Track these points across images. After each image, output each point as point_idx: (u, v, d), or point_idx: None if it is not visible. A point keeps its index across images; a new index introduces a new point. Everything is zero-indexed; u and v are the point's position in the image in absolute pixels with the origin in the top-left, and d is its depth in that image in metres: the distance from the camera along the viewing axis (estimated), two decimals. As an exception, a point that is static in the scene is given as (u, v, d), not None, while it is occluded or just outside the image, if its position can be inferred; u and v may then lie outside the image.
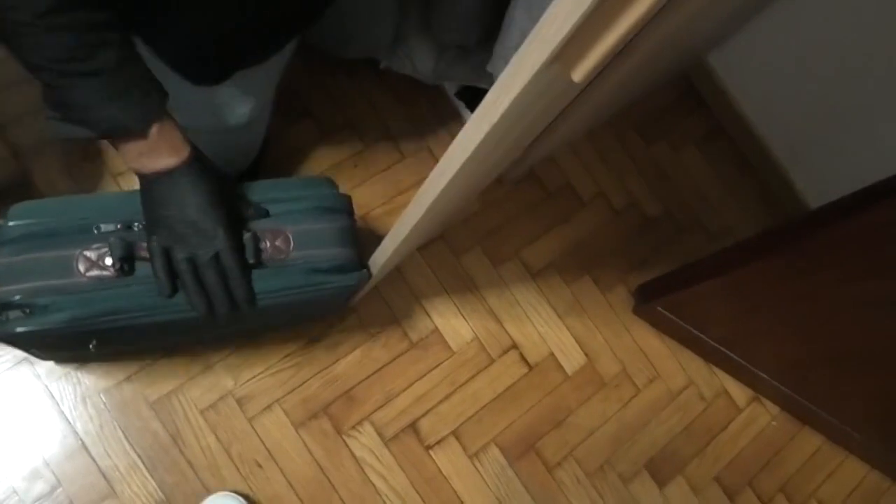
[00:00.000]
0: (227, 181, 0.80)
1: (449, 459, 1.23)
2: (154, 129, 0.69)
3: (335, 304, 1.06)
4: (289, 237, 0.84)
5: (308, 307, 0.97)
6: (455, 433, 1.24)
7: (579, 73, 0.46)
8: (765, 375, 1.39)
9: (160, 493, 1.06)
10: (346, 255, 0.88)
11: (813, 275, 1.07)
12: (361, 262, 0.91)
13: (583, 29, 0.43)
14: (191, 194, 0.73)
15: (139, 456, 1.07)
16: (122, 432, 1.07)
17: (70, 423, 1.06)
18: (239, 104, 0.92)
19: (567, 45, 0.44)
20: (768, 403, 1.48)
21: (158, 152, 0.71)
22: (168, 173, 0.72)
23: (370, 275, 0.93)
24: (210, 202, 0.74)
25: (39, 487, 1.02)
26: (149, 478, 1.06)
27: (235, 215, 0.79)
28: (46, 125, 0.68)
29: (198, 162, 0.74)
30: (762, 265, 1.12)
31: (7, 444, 1.03)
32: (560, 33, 0.42)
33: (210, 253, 0.74)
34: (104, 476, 1.05)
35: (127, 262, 0.76)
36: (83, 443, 1.06)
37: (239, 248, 0.78)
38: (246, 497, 1.08)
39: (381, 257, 0.92)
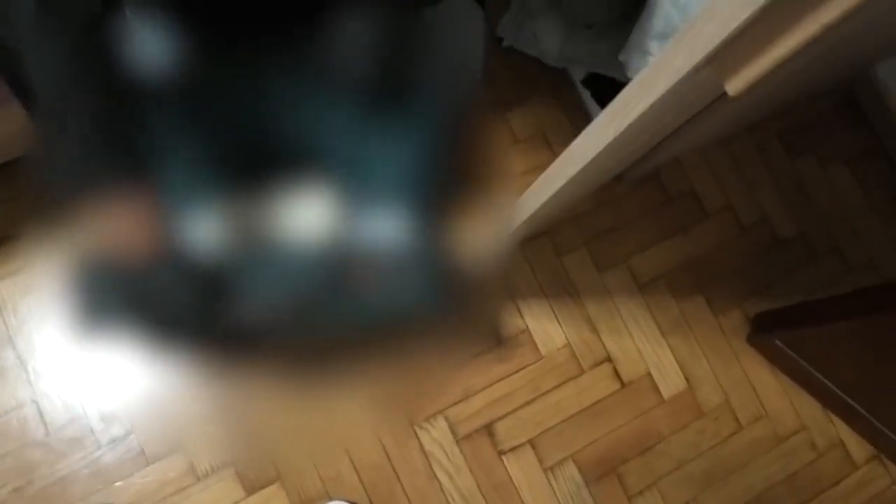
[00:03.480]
0: None
1: (521, 468, 1.16)
2: None
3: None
4: None
5: None
6: (532, 442, 1.17)
7: (735, 86, 0.37)
8: (892, 434, 1.23)
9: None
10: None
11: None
12: None
13: (751, 31, 0.34)
14: None
15: (212, 415, 1.07)
16: (198, 387, 1.07)
17: (150, 372, 1.07)
18: None
19: (726, 50, 0.35)
20: (890, 465, 1.30)
21: None
22: None
23: None
24: None
25: (115, 430, 1.04)
26: (217, 436, 1.06)
27: None
28: None
29: None
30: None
31: (90, 385, 1.05)
32: (720, 34, 0.33)
33: None
34: (176, 429, 1.05)
35: None
36: (161, 393, 1.06)
37: None
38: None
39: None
